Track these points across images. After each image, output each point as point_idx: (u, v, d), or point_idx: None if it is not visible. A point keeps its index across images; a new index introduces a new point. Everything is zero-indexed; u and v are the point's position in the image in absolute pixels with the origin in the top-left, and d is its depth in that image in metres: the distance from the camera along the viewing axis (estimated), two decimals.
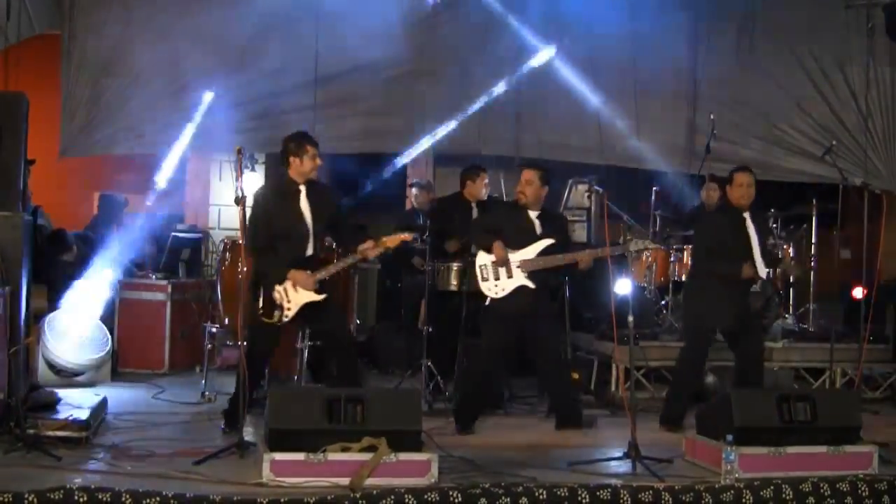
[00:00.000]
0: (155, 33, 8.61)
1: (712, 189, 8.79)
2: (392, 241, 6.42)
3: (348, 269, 7.30)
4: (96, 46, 8.53)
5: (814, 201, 9.09)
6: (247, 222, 6.01)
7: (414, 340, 8.01)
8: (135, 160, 9.83)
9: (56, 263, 8.30)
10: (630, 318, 5.96)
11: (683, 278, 8.67)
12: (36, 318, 7.31)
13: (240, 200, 5.96)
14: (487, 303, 6.75)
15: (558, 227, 6.89)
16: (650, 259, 8.67)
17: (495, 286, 6.68)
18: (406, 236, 6.49)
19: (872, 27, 9.49)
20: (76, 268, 8.23)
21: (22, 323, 6.22)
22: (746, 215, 6.83)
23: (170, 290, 8.72)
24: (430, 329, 7.61)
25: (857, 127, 9.72)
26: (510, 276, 6.65)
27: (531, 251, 6.68)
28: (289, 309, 6.26)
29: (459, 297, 7.60)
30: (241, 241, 6.09)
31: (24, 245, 6.17)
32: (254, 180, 10.35)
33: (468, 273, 7.22)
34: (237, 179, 6.07)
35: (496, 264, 6.66)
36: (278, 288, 6.23)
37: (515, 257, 6.66)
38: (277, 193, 6.40)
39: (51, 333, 7.74)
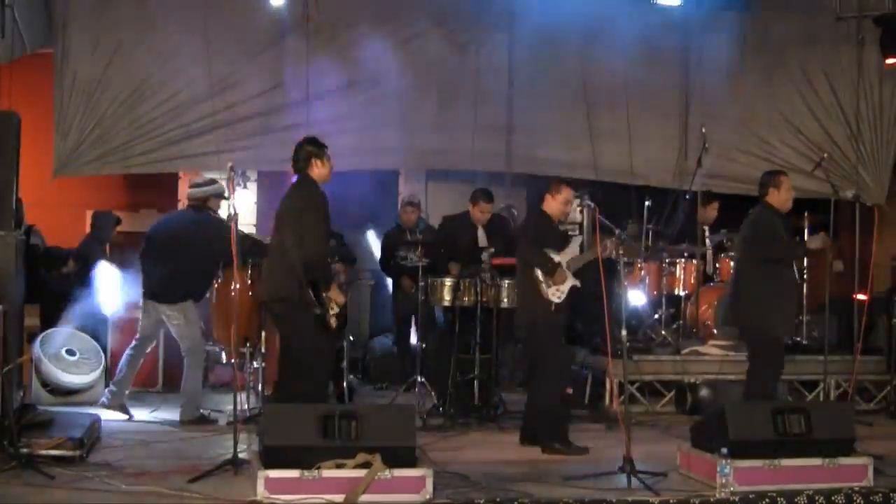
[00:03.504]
0: (147, 53, 8.62)
1: (711, 207, 8.80)
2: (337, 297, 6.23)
3: None
4: (89, 66, 8.50)
5: (806, 214, 9.10)
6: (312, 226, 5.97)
7: (407, 356, 8.01)
8: (128, 179, 9.85)
9: (49, 282, 8.29)
10: (623, 332, 5.96)
11: (676, 292, 8.69)
12: (29, 336, 7.29)
13: (232, 218, 5.95)
14: (543, 317, 6.59)
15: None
16: (643, 272, 8.68)
17: (557, 290, 6.59)
18: (340, 299, 6.22)
19: (862, 39, 9.53)
20: (70, 286, 8.22)
21: (15, 342, 6.20)
22: None
23: None
24: (424, 345, 7.61)
25: (845, 140, 9.73)
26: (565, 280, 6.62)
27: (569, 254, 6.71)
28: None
29: (452, 312, 7.60)
30: (234, 259, 6.02)
31: (17, 264, 6.16)
32: (245, 198, 10.40)
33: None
34: (229, 197, 6.07)
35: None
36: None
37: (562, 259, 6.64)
38: (323, 197, 6.25)
39: (44, 352, 7.73)
